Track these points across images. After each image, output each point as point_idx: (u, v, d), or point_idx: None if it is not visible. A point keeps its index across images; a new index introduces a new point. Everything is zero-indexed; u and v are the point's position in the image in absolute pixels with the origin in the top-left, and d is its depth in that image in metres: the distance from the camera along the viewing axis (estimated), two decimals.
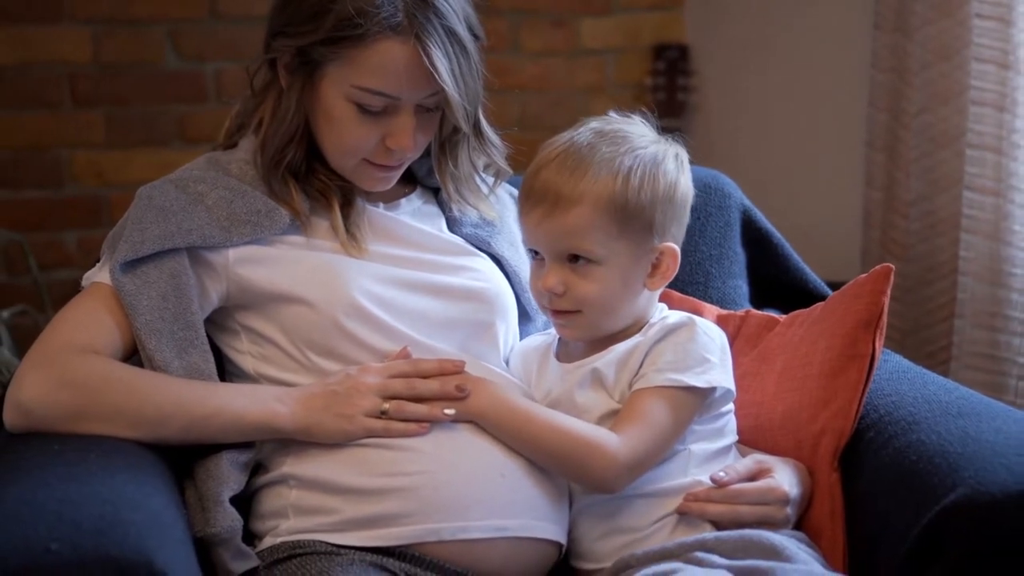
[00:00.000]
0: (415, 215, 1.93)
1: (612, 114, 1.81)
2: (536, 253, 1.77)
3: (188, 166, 1.90)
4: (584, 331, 1.78)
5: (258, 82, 1.89)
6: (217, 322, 1.84)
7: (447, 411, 1.72)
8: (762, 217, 2.22)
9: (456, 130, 1.87)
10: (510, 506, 1.70)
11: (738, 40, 3.75)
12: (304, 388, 1.75)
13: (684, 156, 1.79)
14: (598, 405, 1.75)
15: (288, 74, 1.82)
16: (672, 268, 1.77)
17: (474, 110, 1.83)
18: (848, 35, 3.32)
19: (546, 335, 1.91)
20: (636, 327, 1.79)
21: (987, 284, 2.72)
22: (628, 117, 1.81)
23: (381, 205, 1.91)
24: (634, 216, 1.71)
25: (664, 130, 3.90)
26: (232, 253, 1.80)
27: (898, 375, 1.87)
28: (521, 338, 1.96)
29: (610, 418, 1.74)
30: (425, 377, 1.75)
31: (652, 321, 1.79)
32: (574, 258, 1.73)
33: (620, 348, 1.76)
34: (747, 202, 2.22)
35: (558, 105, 3.87)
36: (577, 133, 1.76)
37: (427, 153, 1.94)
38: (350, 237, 1.84)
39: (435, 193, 1.99)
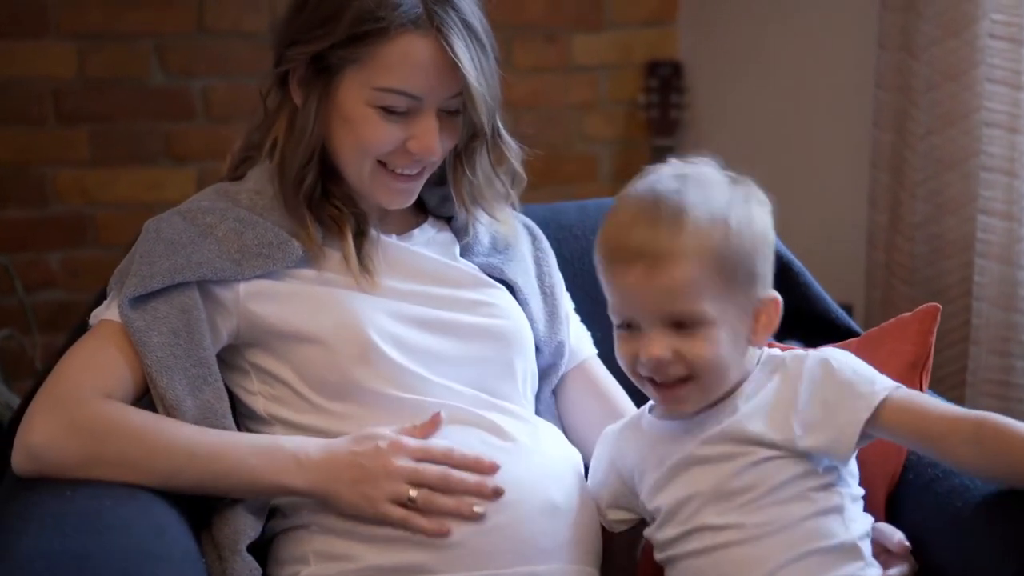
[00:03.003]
0: (429, 244, 1.88)
1: (673, 161, 1.65)
2: (626, 325, 1.58)
3: (195, 197, 1.84)
4: (695, 401, 1.59)
5: (270, 104, 1.83)
6: (226, 361, 1.78)
7: (477, 508, 1.63)
8: (782, 246, 2.16)
9: (474, 136, 1.82)
10: (540, 553, 1.65)
11: (733, 57, 3.70)
12: (327, 449, 1.66)
13: (762, 196, 1.63)
14: (756, 449, 1.58)
15: (302, 88, 1.77)
16: (775, 319, 1.60)
17: (494, 108, 1.79)
18: (850, 53, 3.27)
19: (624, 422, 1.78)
20: (739, 385, 1.62)
21: (1001, 309, 2.68)
22: (691, 162, 1.64)
23: (394, 236, 1.86)
24: (739, 266, 1.55)
25: (657, 149, 3.86)
26: (243, 288, 1.74)
27: None
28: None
29: (774, 450, 1.57)
30: (461, 466, 1.66)
31: (759, 365, 1.63)
32: (678, 322, 1.54)
33: (761, 399, 1.58)
34: None
35: (550, 122, 3.82)
36: (656, 179, 1.59)
37: (441, 181, 1.90)
38: (363, 270, 1.78)
39: (447, 222, 1.94)
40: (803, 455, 1.55)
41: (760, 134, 3.62)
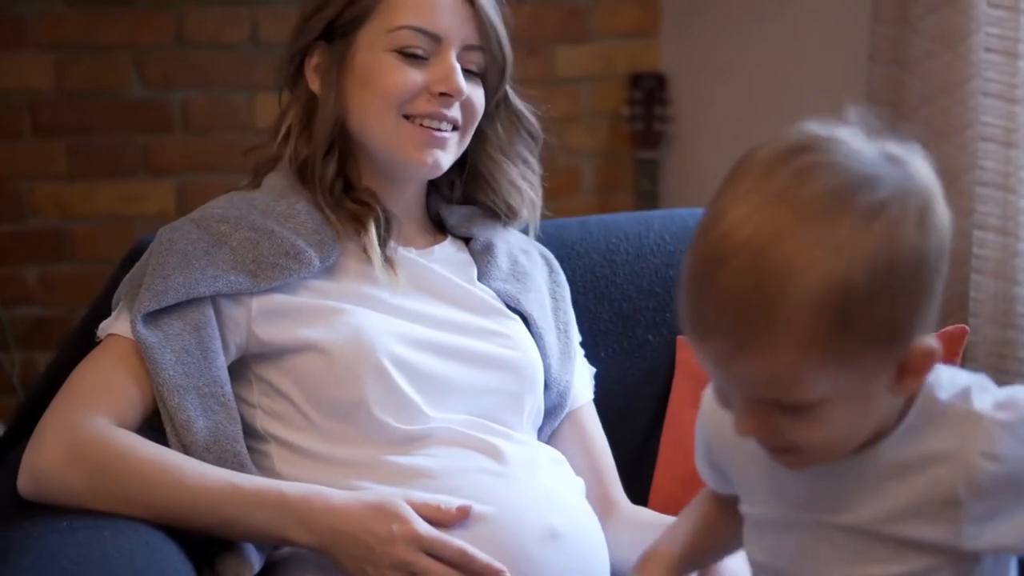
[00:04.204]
0: (447, 264, 1.85)
1: (804, 129, 1.13)
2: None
3: (209, 204, 1.80)
4: (808, 464, 1.18)
5: (284, 99, 1.84)
6: (230, 370, 1.72)
7: None
8: None
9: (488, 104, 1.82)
10: None
11: (718, 69, 3.68)
12: (335, 513, 1.57)
13: (929, 194, 1.11)
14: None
15: (318, 72, 1.79)
16: (929, 364, 1.12)
17: (509, 56, 1.80)
18: (840, 66, 3.25)
19: None
20: (878, 438, 1.17)
21: (998, 326, 2.65)
22: (831, 132, 1.11)
23: (414, 251, 1.82)
24: (864, 330, 1.06)
25: (641, 162, 3.78)
26: (255, 305, 1.70)
27: None
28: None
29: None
30: (469, 570, 1.57)
31: (913, 412, 1.16)
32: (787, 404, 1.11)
33: (917, 479, 1.16)
34: None
35: None
36: (768, 193, 1.08)
37: (461, 201, 1.89)
38: (387, 264, 1.75)
39: (466, 244, 1.91)
40: (965, 555, 1.17)
41: (747, 148, 3.58)
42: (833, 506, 1.19)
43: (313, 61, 1.79)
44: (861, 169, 1.07)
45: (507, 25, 1.80)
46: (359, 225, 1.76)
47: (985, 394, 1.17)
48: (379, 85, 1.74)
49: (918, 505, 1.15)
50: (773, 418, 1.11)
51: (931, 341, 1.10)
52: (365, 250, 1.74)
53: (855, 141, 1.10)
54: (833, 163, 1.08)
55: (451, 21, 1.74)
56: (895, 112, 2.86)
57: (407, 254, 1.81)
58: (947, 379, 1.18)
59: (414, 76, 1.74)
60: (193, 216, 1.76)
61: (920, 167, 1.11)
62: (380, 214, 1.78)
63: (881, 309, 1.06)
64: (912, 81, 2.79)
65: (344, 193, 1.79)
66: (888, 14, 2.86)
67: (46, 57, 3.45)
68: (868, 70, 2.95)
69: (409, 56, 1.74)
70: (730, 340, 1.07)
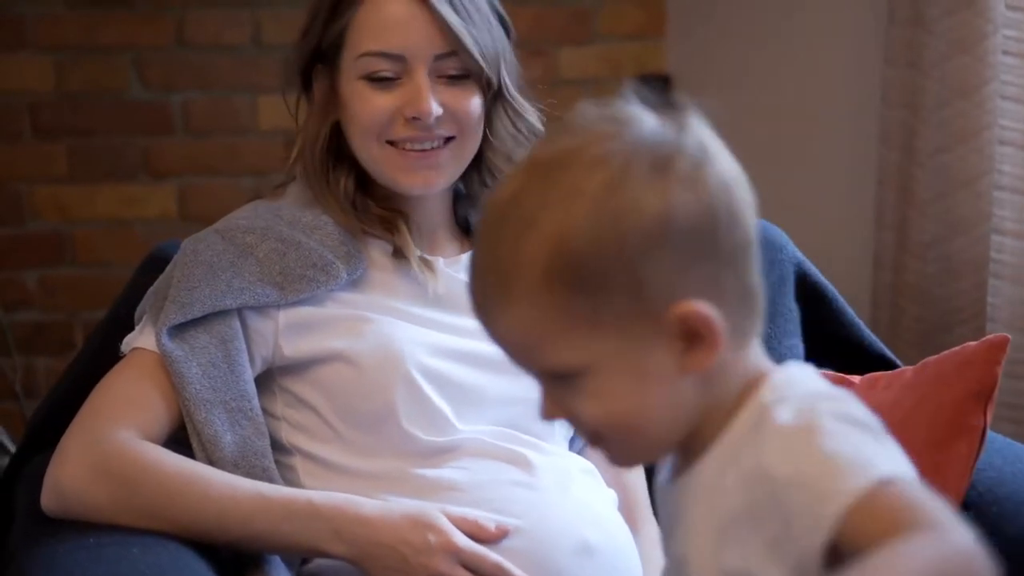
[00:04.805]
0: None
1: (577, 113, 1.09)
2: None
3: (233, 214, 1.77)
4: (629, 458, 1.14)
5: (300, 121, 1.81)
6: (255, 382, 1.70)
7: None
8: (816, 271, 2.10)
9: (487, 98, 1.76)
10: None
11: (726, 71, 3.64)
12: (368, 524, 1.54)
13: (676, 150, 1.05)
14: None
15: (316, 95, 1.77)
16: (710, 332, 1.02)
17: (495, 57, 1.73)
18: (855, 69, 3.21)
19: None
20: (717, 417, 1.06)
21: (1016, 331, 2.63)
22: (604, 102, 1.09)
23: (441, 260, 1.79)
24: (597, 285, 1.02)
25: None
26: (282, 318, 1.67)
27: (987, 444, 1.76)
28: None
29: None
30: None
31: (749, 411, 1.05)
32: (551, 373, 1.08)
33: (719, 493, 1.04)
34: (800, 255, 2.10)
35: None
36: (523, 162, 1.09)
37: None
38: (422, 263, 1.73)
39: None
40: None
41: (755, 152, 3.52)
42: (669, 536, 1.12)
43: (317, 83, 1.77)
44: (601, 128, 1.05)
45: (490, 17, 1.74)
46: (391, 227, 1.73)
47: (807, 402, 1.02)
48: (356, 115, 1.71)
49: (726, 530, 1.02)
50: (554, 393, 1.08)
51: (699, 305, 1.01)
52: (401, 250, 1.72)
53: (625, 109, 1.07)
54: (578, 125, 1.06)
55: (414, 36, 1.68)
56: (911, 115, 2.83)
57: (433, 263, 1.77)
58: (783, 382, 1.06)
59: (385, 102, 1.69)
60: (217, 227, 1.73)
61: (692, 128, 1.09)
62: (408, 218, 1.75)
63: (613, 263, 1.01)
64: (928, 84, 2.76)
65: (369, 200, 1.76)
66: (903, 16, 2.83)
67: (46, 59, 3.40)
68: (883, 73, 2.93)
69: (380, 80, 1.69)
70: (486, 305, 1.07)
